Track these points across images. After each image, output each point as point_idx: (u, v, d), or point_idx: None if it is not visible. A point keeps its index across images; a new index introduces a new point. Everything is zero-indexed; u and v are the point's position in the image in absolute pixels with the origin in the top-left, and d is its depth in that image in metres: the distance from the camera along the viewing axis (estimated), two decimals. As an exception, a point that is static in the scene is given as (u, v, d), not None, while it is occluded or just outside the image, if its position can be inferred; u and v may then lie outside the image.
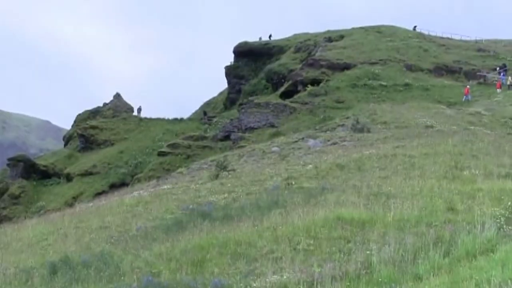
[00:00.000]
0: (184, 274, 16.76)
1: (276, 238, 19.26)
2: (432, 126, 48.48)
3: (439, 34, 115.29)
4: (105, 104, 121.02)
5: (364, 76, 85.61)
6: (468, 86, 79.26)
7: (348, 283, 14.37)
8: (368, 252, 16.77)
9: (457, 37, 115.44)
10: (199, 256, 18.20)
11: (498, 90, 76.09)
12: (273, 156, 45.40)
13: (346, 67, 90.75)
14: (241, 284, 14.91)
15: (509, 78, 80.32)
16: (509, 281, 10.95)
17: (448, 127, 48.05)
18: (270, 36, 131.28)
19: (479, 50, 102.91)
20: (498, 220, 19.29)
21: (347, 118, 56.31)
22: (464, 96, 75.77)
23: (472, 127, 49.18)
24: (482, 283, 11.59)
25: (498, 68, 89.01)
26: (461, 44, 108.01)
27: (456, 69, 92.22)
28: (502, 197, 23.52)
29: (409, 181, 27.67)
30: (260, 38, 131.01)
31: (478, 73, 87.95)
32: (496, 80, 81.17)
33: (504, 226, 18.71)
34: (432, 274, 14.73)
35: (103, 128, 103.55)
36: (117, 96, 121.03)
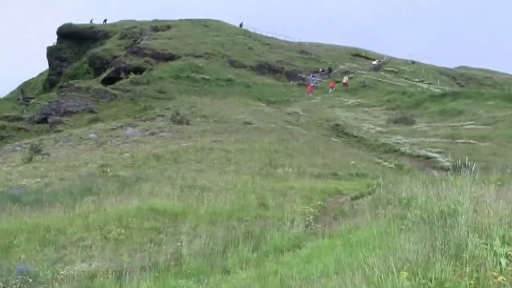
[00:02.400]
0: (-12, 259, 16.03)
1: (87, 225, 18.85)
2: (250, 123, 49.27)
3: (265, 33, 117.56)
4: None
5: (188, 68, 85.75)
6: (312, 84, 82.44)
7: (157, 274, 14.26)
8: (179, 243, 16.75)
9: (281, 38, 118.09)
10: (6, 241, 17.46)
11: (310, 95, 78.58)
12: (90, 142, 44.46)
13: (170, 57, 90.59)
14: (48, 271, 14.42)
15: (345, 78, 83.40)
16: (311, 276, 11.25)
17: (266, 125, 49.01)
18: (105, 21, 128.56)
19: (302, 52, 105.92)
20: (307, 218, 19.84)
21: (168, 109, 56.15)
22: (307, 94, 78.69)
23: (290, 127, 50.47)
24: (287, 278, 11.83)
25: (320, 70, 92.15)
26: (284, 45, 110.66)
27: (278, 68, 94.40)
28: (312, 196, 24.29)
29: (224, 175, 27.98)
30: (91, 21, 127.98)
31: (299, 74, 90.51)
32: (312, 83, 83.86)
33: (312, 224, 19.28)
34: (240, 267, 14.89)
35: None
36: None
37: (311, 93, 78.59)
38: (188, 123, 48.23)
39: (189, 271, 14.67)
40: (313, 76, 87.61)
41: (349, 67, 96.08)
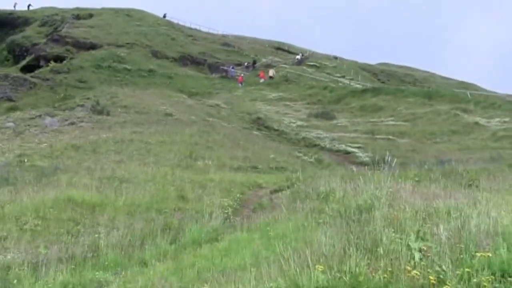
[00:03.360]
0: None
1: (3, 216, 18.41)
2: (171, 115, 48.99)
3: (188, 25, 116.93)
4: None
5: (109, 58, 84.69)
6: (242, 75, 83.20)
7: (74, 266, 14.03)
8: (96, 235, 16.54)
9: (205, 29, 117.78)
10: None
11: (241, 85, 79.18)
12: (8, 131, 43.44)
13: (92, 46, 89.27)
14: (-44, 263, 14.05)
15: (272, 71, 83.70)
16: (228, 269, 11.24)
17: (187, 117, 48.84)
18: (29, 6, 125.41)
19: (225, 44, 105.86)
20: (226, 211, 19.88)
21: (88, 98, 55.29)
22: (239, 84, 79.45)
23: (211, 119, 50.43)
24: (204, 271, 11.81)
25: (245, 63, 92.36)
26: (208, 37, 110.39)
27: (201, 60, 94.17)
28: (232, 188, 24.32)
29: (144, 167, 27.77)
30: (15, 6, 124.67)
31: (221, 67, 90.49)
32: (238, 75, 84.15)
33: (231, 217, 19.31)
34: (157, 260, 14.80)
35: None
36: None
37: (241, 83, 79.15)
38: (108, 114, 47.62)
39: (106, 263, 14.51)
40: (232, 68, 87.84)
41: (272, 61, 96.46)
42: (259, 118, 56.35)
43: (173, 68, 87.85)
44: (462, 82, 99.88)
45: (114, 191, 22.18)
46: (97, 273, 13.66)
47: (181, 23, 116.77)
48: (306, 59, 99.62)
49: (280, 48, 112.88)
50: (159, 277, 12.34)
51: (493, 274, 7.85)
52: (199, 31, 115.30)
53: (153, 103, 54.88)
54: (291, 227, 12.58)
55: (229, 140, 39.03)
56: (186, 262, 13.75)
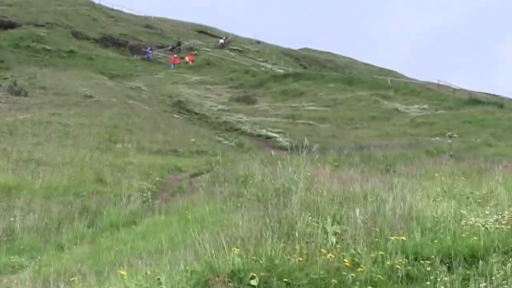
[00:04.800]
0: None
1: None
2: (91, 96, 48.23)
3: (110, 5, 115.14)
4: None
5: (28, 37, 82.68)
6: (175, 55, 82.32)
7: (-13, 250, 13.75)
8: (12, 219, 16.23)
9: (127, 11, 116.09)
10: None
11: (172, 66, 79.08)
12: None
13: (10, 25, 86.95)
14: None
15: (186, 58, 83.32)
16: (145, 252, 11.19)
17: (107, 99, 48.20)
18: None
19: (147, 26, 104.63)
20: (145, 194, 19.77)
21: (5, 79, 54.05)
22: (172, 65, 78.86)
23: (131, 101, 49.88)
24: (121, 254, 11.71)
25: (170, 47, 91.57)
26: (130, 18, 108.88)
27: (123, 42, 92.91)
28: (151, 171, 24.20)
29: (62, 149, 27.34)
30: None
31: (143, 49, 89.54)
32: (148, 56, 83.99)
33: (150, 200, 19.23)
34: (74, 243, 14.64)
35: None
36: None
37: (173, 64, 78.89)
38: (26, 95, 46.60)
39: (22, 247, 14.30)
40: (150, 50, 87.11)
41: (194, 44, 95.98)
42: (180, 102, 56.04)
43: (94, 49, 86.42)
44: (383, 69, 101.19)
45: (31, 174, 21.81)
46: (12, 257, 13.43)
47: (103, 3, 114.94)
48: (229, 43, 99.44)
49: (203, 32, 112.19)
50: (75, 261, 12.20)
51: (407, 257, 8.01)
52: (121, 12, 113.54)
53: (73, 84, 53.96)
54: (209, 210, 12.60)
55: (149, 123, 38.77)
56: (103, 245, 13.64)
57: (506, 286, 6.70)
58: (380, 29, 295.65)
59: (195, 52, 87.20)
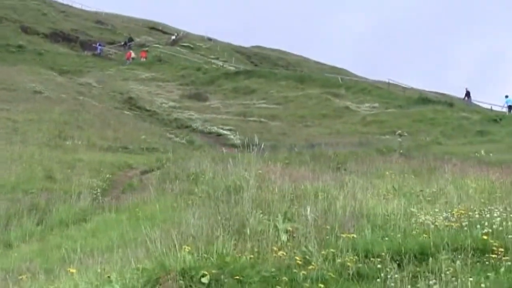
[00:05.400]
0: None
1: None
2: (41, 92, 47.62)
3: (60, 0, 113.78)
4: None
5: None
6: (130, 51, 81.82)
7: None
8: (-42, 216, 15.97)
9: (77, 6, 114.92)
10: None
11: (128, 62, 78.72)
12: None
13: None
14: None
15: (132, 53, 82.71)
16: (95, 250, 11.09)
17: (57, 95, 47.66)
18: None
19: (98, 22, 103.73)
20: (95, 191, 19.62)
21: (-48, 74, 53.12)
22: (127, 61, 78.34)
23: (81, 98, 49.35)
24: (70, 252, 11.58)
25: (123, 42, 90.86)
26: (81, 13, 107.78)
27: (73, 37, 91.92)
28: (102, 168, 24.02)
29: (10, 146, 26.95)
30: None
31: (93, 45, 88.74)
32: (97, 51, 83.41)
33: (100, 197, 19.08)
34: (23, 241, 14.46)
35: None
36: None
37: (129, 60, 78.68)
38: (-27, 90, 45.85)
39: (-34, 246, 14.04)
40: (99, 45, 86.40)
41: (146, 40, 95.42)
42: (131, 98, 55.62)
43: (44, 44, 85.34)
44: (334, 67, 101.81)
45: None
46: (-43, 256, 13.20)
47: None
48: (180, 39, 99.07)
49: (155, 28, 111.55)
50: (24, 259, 12.06)
51: (357, 254, 8.07)
52: (72, 7, 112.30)
53: (22, 80, 53.18)
54: (160, 208, 12.51)
55: (99, 120, 38.43)
56: (53, 243, 13.52)
57: (455, 283, 6.78)
58: (331, 27, 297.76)
59: (147, 48, 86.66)
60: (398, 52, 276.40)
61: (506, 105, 54.43)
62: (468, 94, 60.83)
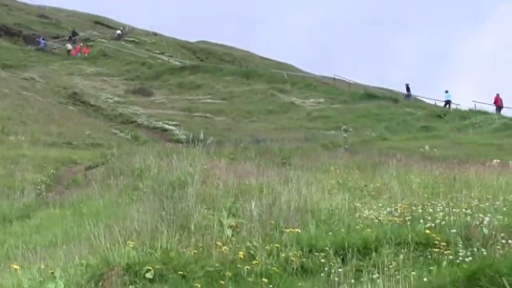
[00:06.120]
0: None
1: None
2: (-17, 87, 46.86)
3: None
4: None
5: None
6: (81, 44, 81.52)
7: None
8: None
9: (21, 0, 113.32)
10: None
11: (76, 56, 78.19)
12: None
13: None
14: None
15: (68, 45, 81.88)
16: (39, 246, 10.98)
17: (0, 90, 46.87)
18: None
19: (41, 16, 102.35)
20: (39, 187, 19.41)
21: None
22: (78, 54, 77.95)
23: (25, 93, 48.65)
24: (14, 248, 11.46)
25: (68, 36, 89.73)
26: (24, 7, 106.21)
27: (16, 32, 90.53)
28: (45, 164, 23.76)
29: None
30: None
31: (37, 39, 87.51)
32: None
33: (44, 193, 18.88)
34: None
35: None
36: None
37: (76, 55, 78.03)
38: None
39: None
40: (43, 39, 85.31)
41: (90, 35, 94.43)
42: (75, 93, 55.02)
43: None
44: (280, 63, 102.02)
45: None
46: None
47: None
48: (126, 34, 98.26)
49: (99, 22, 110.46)
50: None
51: (301, 249, 8.13)
52: (15, 1, 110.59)
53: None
54: (104, 203, 12.47)
55: (43, 115, 37.96)
56: (-4, 240, 13.31)
57: (398, 277, 6.88)
58: (278, 23, 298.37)
59: (91, 43, 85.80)
60: (346, 48, 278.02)
61: (445, 100, 55.06)
62: (408, 89, 61.50)
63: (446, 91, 55.30)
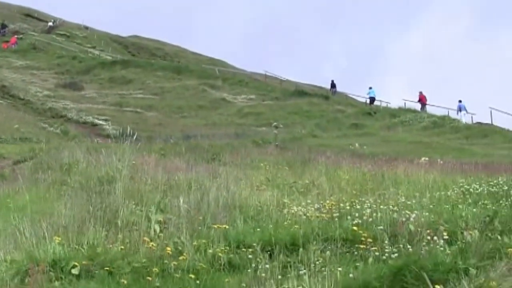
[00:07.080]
0: None
1: None
2: None
3: None
4: None
5: None
6: (16, 36, 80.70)
7: None
8: None
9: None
10: None
11: (13, 46, 77.24)
12: None
13: None
14: None
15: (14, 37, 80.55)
16: None
17: None
18: None
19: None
20: None
21: None
22: (13, 45, 76.75)
23: None
24: None
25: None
26: None
27: None
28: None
29: None
30: None
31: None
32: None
33: None
34: None
35: None
36: None
37: (14, 45, 77.26)
38: None
39: None
40: None
41: (20, 27, 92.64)
42: (4, 86, 53.92)
43: None
44: (212, 59, 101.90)
45: None
46: None
47: None
48: (57, 27, 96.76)
49: (30, 15, 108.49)
50: None
51: (229, 245, 8.18)
52: None
53: None
54: (32, 198, 12.25)
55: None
56: None
57: (324, 273, 6.95)
58: (211, 18, 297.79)
59: (21, 36, 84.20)
60: (278, 44, 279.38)
61: (368, 96, 55.46)
62: (333, 85, 61.99)
63: (370, 88, 55.63)
